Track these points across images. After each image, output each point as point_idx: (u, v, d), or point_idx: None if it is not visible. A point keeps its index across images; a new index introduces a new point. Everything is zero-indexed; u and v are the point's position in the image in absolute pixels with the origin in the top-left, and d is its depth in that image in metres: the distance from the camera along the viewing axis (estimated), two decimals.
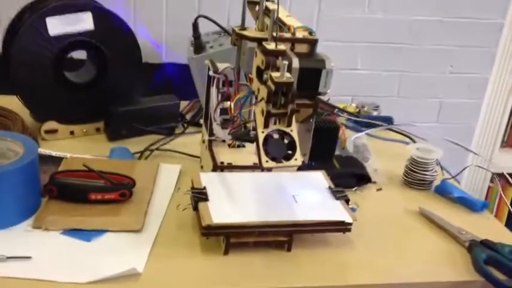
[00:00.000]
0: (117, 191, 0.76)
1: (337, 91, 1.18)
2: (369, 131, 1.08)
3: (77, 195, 0.75)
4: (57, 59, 0.94)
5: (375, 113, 1.21)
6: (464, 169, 0.96)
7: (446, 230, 0.78)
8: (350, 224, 0.71)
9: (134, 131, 1.00)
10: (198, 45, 1.05)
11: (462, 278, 0.69)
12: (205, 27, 1.10)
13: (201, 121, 0.93)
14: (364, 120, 1.13)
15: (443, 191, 0.89)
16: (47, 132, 0.97)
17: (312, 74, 0.67)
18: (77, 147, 0.94)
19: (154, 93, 1.06)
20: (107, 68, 0.99)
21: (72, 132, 0.99)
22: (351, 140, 0.99)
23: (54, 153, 0.88)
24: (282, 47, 0.66)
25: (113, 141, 0.99)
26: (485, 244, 0.73)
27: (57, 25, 0.91)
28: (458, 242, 0.76)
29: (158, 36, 1.24)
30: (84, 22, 0.93)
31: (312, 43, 0.70)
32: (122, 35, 0.99)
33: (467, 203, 0.86)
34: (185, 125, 1.06)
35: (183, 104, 1.12)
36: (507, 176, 0.95)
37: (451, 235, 0.77)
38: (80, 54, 1.00)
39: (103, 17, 0.96)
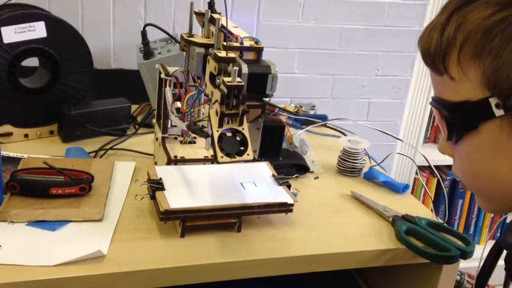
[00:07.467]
0: (77, 185, 0.81)
1: (278, 93, 1.29)
2: (308, 128, 1.19)
3: (39, 191, 0.79)
4: (12, 65, 0.97)
5: (311, 112, 1.33)
6: (387, 156, 1.09)
7: (374, 208, 0.90)
8: (292, 205, 0.80)
9: (88, 132, 1.05)
10: (147, 52, 1.12)
11: (387, 246, 0.80)
12: (150, 35, 1.17)
13: (153, 121, 1.00)
14: (303, 118, 1.25)
15: (371, 177, 1.01)
16: (2, 135, 1.00)
17: (259, 78, 0.74)
18: (33, 149, 0.98)
19: (105, 97, 1.11)
20: (59, 73, 1.03)
21: (26, 135, 1.03)
22: (295, 136, 1.10)
23: (11, 154, 0.92)
24: (232, 54, 0.72)
25: (67, 142, 1.03)
26: (406, 218, 0.86)
27: (11, 34, 0.95)
28: (384, 218, 0.87)
29: (106, 44, 1.29)
30: (37, 31, 0.98)
31: (258, 51, 0.77)
32: (73, 42, 1.04)
33: (391, 186, 0.98)
34: (136, 126, 1.13)
35: (133, 107, 1.17)
36: (432, 167, 1.09)
37: (378, 212, 0.89)
38: (32, 62, 1.04)
39: (55, 25, 1.01)
